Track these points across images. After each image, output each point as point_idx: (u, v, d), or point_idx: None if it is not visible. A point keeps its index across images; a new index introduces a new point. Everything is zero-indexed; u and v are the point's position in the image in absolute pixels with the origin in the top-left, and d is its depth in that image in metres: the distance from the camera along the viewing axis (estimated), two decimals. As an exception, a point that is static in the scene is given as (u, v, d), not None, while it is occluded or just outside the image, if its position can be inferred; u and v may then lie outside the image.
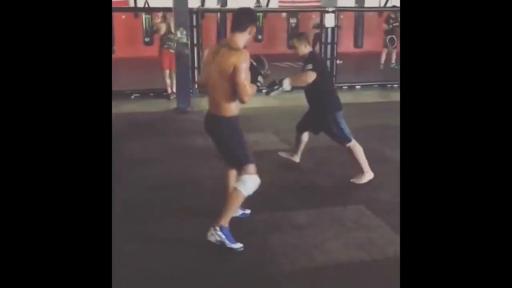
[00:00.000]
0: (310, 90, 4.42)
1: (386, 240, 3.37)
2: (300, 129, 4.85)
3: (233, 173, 3.50)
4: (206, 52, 3.33)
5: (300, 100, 8.86)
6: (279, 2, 14.85)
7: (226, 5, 13.71)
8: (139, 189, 4.39)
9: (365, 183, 4.35)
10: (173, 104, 7.87)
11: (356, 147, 4.37)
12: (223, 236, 3.13)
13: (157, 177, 4.68)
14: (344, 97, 5.71)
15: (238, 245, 3.18)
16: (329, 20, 9.18)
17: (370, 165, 4.41)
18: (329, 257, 3.16)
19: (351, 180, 4.37)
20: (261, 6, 13.89)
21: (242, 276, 2.94)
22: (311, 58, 4.36)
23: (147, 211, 3.90)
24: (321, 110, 4.45)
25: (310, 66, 4.24)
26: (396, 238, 3.41)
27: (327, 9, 9.30)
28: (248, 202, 3.93)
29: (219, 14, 13.20)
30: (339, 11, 9.42)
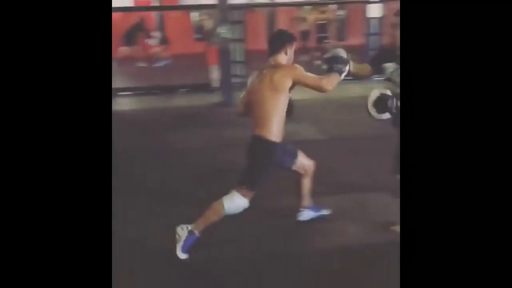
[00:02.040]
0: None
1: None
2: None
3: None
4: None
5: (339, 92, 8.89)
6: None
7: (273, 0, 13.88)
8: (175, 176, 4.66)
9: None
10: (217, 98, 8.14)
11: None
12: (186, 242, 3.08)
13: (194, 165, 4.95)
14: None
15: (184, 256, 3.09)
16: (374, 11, 9.11)
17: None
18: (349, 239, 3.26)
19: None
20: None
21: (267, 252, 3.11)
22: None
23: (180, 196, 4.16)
24: None
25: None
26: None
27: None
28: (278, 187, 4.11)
29: (266, 9, 13.39)
30: (386, 1, 9.30)
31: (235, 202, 3.08)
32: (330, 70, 3.16)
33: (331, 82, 3.08)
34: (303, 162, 3.43)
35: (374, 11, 9.18)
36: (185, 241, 3.06)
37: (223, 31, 7.67)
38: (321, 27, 10.74)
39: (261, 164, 3.15)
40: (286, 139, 5.99)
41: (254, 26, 12.96)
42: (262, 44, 14.63)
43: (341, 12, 13.47)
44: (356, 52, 11.15)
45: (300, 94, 8.84)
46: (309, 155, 5.15)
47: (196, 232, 3.07)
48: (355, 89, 8.87)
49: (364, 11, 9.74)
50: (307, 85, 3.10)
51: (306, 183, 3.48)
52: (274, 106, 3.10)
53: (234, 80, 8.37)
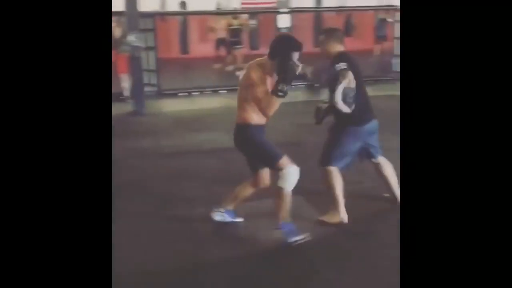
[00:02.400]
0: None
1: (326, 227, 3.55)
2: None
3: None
4: None
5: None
6: (242, 4, 15.02)
7: (185, 8, 13.84)
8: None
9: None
10: (129, 107, 7.95)
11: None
12: (284, 232, 3.28)
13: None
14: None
15: (300, 236, 3.26)
16: (283, 21, 9.39)
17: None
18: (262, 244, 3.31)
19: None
20: (221, 8, 14.06)
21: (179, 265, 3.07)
22: (344, 57, 3.53)
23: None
24: None
25: (344, 65, 3.43)
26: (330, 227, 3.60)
27: (280, 10, 9.51)
28: (191, 198, 4.09)
29: (180, 17, 13.33)
30: (293, 12, 9.64)
31: (286, 177, 3.21)
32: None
33: (271, 109, 3.22)
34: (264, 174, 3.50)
35: (284, 21, 9.47)
36: (290, 231, 3.26)
37: (133, 39, 7.52)
38: (234, 33, 10.87)
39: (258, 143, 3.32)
40: (200, 147, 5.98)
41: (166, 34, 12.84)
42: (174, 52, 14.54)
43: (253, 22, 13.74)
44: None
45: (213, 103, 8.90)
46: (223, 163, 5.22)
47: (285, 222, 3.27)
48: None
49: (274, 21, 10.01)
50: (254, 99, 3.24)
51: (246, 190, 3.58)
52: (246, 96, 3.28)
53: (146, 88, 8.24)
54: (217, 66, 11.33)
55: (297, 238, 3.26)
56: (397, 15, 10.43)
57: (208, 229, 3.59)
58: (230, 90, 9.56)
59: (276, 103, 3.19)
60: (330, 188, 3.59)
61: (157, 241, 3.41)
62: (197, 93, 9.35)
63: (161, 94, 8.96)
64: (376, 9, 13.27)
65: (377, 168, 3.81)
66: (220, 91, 9.54)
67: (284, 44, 3.28)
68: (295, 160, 3.33)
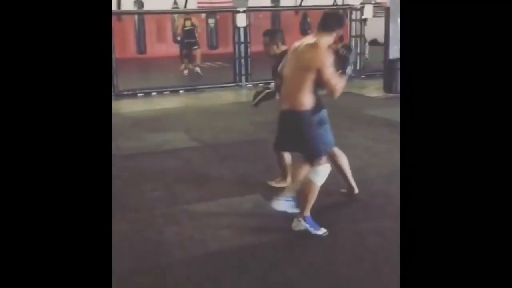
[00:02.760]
0: None
1: (276, 224, 3.58)
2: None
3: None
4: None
5: (211, 99, 9.03)
6: (198, 3, 14.96)
7: (143, 7, 13.66)
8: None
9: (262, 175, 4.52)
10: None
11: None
12: (307, 225, 3.36)
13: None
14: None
15: (322, 231, 3.36)
16: (241, 20, 9.41)
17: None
18: (221, 244, 3.32)
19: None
20: (178, 7, 13.95)
21: (135, 267, 3.04)
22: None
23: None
24: None
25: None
26: (284, 222, 3.63)
27: (238, 9, 9.52)
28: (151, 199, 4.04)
29: (136, 16, 13.13)
30: (250, 11, 9.68)
31: (320, 174, 3.34)
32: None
33: (340, 89, 3.23)
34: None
35: (241, 20, 9.49)
36: (310, 225, 3.36)
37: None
38: (188, 34, 10.80)
39: (308, 133, 3.35)
40: (158, 149, 5.92)
41: (123, 33, 12.62)
42: (131, 52, 14.36)
43: (211, 21, 13.72)
44: (226, 60, 11.52)
45: (172, 103, 8.82)
46: (182, 163, 5.19)
47: (309, 214, 3.37)
48: (227, 97, 9.11)
49: (231, 20, 10.02)
50: (322, 80, 3.18)
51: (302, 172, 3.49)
52: (300, 84, 3.23)
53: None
54: (182, 67, 11.23)
55: (320, 232, 3.37)
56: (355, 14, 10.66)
57: (171, 230, 3.56)
58: (188, 90, 9.54)
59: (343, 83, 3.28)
60: (341, 171, 3.94)
61: (117, 243, 3.35)
62: (155, 93, 9.24)
63: (118, 95, 8.81)
64: (333, 8, 13.49)
65: (332, 159, 3.89)
66: (180, 91, 9.47)
67: (339, 20, 3.38)
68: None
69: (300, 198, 3.42)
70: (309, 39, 3.37)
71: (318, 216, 3.58)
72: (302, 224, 3.38)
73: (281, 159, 4.11)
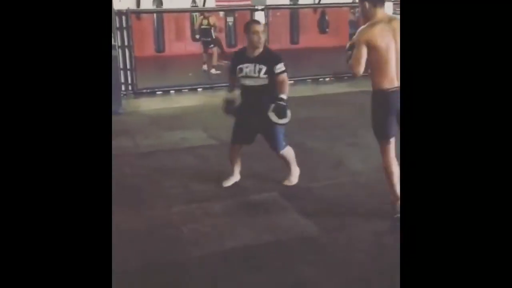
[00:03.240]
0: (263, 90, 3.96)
1: (293, 222, 3.59)
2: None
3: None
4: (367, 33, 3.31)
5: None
6: (216, 1, 15.00)
7: (162, 6, 13.76)
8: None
9: (282, 173, 4.52)
10: (105, 106, 7.88)
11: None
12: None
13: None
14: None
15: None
16: (259, 18, 9.41)
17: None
18: (238, 242, 3.35)
19: (284, 183, 4.27)
20: (197, 6, 14.02)
21: (152, 263, 3.08)
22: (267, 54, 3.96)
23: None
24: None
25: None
26: (301, 220, 3.65)
27: (256, 7, 9.54)
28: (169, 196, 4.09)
29: (155, 15, 13.23)
30: (268, 9, 9.68)
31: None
32: None
33: None
34: None
35: (259, 18, 9.50)
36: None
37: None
38: (205, 33, 10.87)
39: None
40: (177, 146, 5.98)
41: (142, 32, 12.73)
42: (150, 50, 14.43)
43: (230, 19, 13.74)
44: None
45: (191, 102, 8.87)
46: (199, 160, 5.22)
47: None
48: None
49: (250, 18, 10.04)
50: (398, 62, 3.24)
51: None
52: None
53: (122, 87, 8.18)
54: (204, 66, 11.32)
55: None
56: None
57: (188, 227, 3.60)
58: (206, 88, 9.58)
59: None
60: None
61: (135, 240, 3.41)
62: (173, 91, 9.31)
63: (137, 93, 8.90)
64: (351, 6, 13.40)
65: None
66: (198, 89, 9.52)
67: None
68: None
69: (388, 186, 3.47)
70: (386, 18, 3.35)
71: (333, 215, 3.58)
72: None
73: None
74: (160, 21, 13.54)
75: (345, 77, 9.91)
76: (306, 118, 6.78)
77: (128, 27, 8.61)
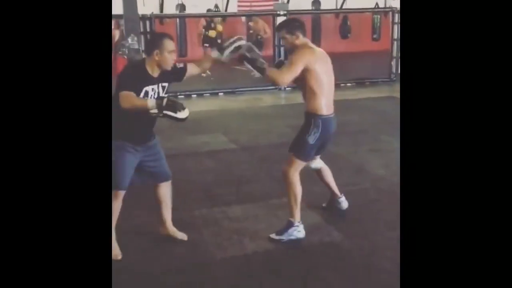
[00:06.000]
0: None
1: (315, 227, 3.57)
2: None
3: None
4: (305, 57, 3.28)
5: (250, 102, 9.08)
6: (238, 6, 15.06)
7: (185, 11, 13.88)
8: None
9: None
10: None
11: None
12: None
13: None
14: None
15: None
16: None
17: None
18: (259, 246, 3.34)
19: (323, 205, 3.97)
20: (219, 11, 14.10)
21: (174, 266, 3.10)
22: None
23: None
24: None
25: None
26: (323, 225, 3.63)
27: (278, 12, 9.55)
28: (188, 199, 4.11)
29: (178, 20, 13.35)
30: (290, 14, 9.68)
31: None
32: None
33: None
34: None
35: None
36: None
37: (132, 41, 7.55)
38: (212, 43, 10.93)
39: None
40: (199, 150, 6.01)
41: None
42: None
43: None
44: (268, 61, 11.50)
45: (212, 105, 8.91)
46: (220, 164, 5.24)
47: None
48: (266, 99, 9.14)
49: (272, 24, 10.07)
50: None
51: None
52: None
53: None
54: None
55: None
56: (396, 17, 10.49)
57: (210, 231, 3.61)
58: (228, 93, 9.62)
59: None
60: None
61: (157, 243, 3.43)
62: (195, 95, 9.37)
63: (160, 96, 8.96)
64: (373, 11, 13.32)
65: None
66: (219, 94, 9.57)
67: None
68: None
69: None
70: (310, 44, 3.44)
71: (357, 221, 3.55)
72: None
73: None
74: (183, 26, 13.67)
75: (367, 83, 9.86)
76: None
77: (152, 32, 8.70)
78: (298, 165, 3.43)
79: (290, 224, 3.39)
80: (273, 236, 3.40)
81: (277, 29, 3.71)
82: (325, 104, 3.35)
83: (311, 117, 3.37)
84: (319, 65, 3.30)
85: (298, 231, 3.38)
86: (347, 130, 6.36)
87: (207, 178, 4.75)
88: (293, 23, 3.48)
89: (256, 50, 3.43)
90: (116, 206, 2.95)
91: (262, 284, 2.90)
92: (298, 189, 3.40)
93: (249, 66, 3.34)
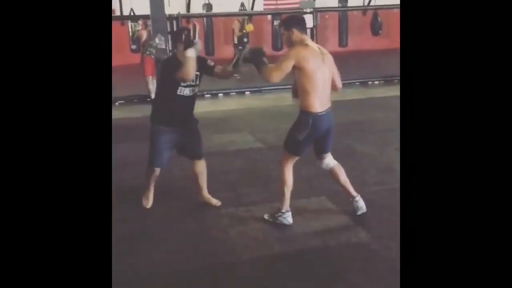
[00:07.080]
0: None
1: (342, 228, 3.54)
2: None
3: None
4: (294, 55, 3.33)
5: (276, 101, 9.04)
6: (264, 4, 15.05)
7: (211, 10, 13.94)
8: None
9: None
10: (155, 109, 8.05)
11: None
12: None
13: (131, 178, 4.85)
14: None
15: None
16: (307, 22, 9.37)
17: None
18: (286, 246, 3.33)
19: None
20: (245, 10, 14.11)
21: (200, 265, 3.11)
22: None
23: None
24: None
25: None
26: (351, 225, 3.58)
27: (305, 10, 9.49)
28: (215, 198, 4.12)
29: (205, 19, 13.43)
30: (317, 12, 9.62)
31: None
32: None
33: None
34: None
35: (308, 21, 9.45)
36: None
37: (159, 41, 7.62)
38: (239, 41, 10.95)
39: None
40: (226, 149, 6.03)
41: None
42: (201, 53, 14.49)
43: (277, 23, 13.74)
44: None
45: (239, 104, 8.91)
46: (247, 163, 5.24)
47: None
48: (290, 98, 9.10)
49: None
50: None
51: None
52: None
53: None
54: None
55: None
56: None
57: (236, 230, 3.62)
58: (254, 92, 9.62)
59: None
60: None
61: (184, 242, 3.46)
62: (221, 94, 9.41)
63: (186, 96, 9.02)
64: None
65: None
66: (245, 93, 9.58)
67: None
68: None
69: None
70: (311, 43, 3.47)
71: (385, 221, 3.50)
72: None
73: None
74: (210, 25, 13.73)
75: (395, 80, 9.71)
76: (355, 121, 6.68)
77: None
78: (290, 159, 3.58)
79: (278, 210, 3.62)
80: (265, 216, 3.69)
81: (279, 25, 4.01)
82: (317, 102, 3.38)
83: (301, 114, 3.48)
84: (312, 63, 3.32)
85: (284, 218, 3.60)
86: (374, 129, 6.29)
87: (233, 177, 4.76)
88: (291, 20, 3.58)
89: (260, 50, 3.66)
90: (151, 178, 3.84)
91: (288, 286, 2.88)
92: (288, 180, 3.57)
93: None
